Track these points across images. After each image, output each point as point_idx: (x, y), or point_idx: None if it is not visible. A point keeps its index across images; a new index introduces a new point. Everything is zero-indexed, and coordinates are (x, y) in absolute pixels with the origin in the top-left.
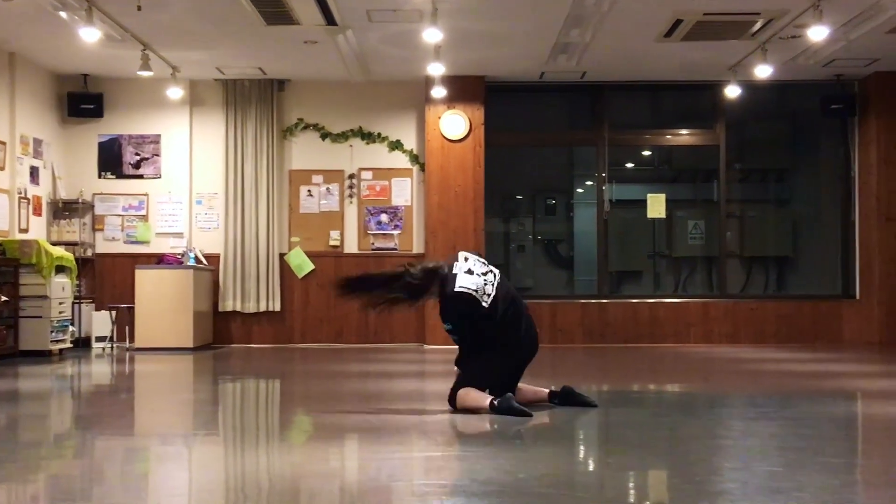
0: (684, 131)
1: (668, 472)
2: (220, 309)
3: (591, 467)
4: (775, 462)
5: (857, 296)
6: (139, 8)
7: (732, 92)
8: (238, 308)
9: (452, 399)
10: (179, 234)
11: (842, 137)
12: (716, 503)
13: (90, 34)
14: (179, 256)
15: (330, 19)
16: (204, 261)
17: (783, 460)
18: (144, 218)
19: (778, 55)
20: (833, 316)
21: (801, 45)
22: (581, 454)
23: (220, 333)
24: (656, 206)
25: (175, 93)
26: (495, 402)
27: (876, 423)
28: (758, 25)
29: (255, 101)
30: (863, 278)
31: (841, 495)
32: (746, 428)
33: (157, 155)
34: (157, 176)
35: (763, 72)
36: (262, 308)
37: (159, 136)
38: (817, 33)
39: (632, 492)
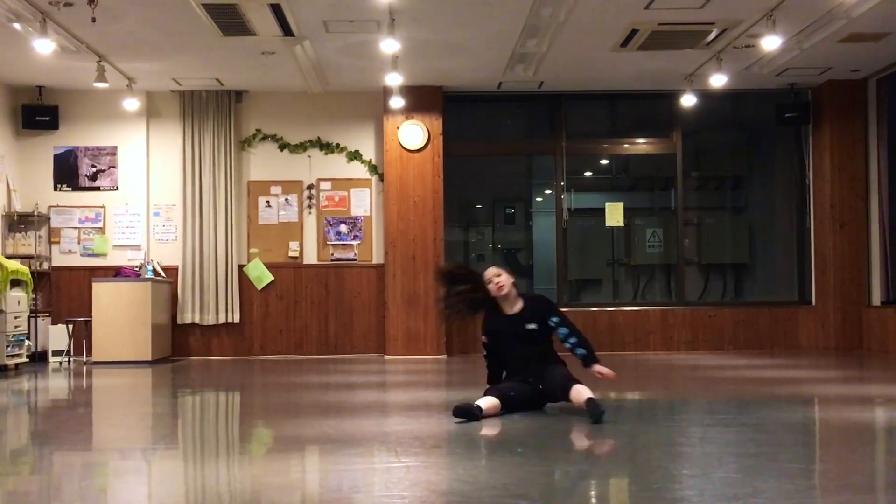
0: (641, 140)
1: (627, 480)
2: (179, 321)
3: (551, 476)
4: (732, 469)
5: (813, 302)
6: (93, 20)
7: (688, 101)
8: (197, 320)
9: (566, 392)
10: (137, 247)
11: (796, 145)
12: None
13: (44, 46)
14: (137, 269)
15: (287, 30)
16: (162, 273)
17: (740, 467)
18: (101, 230)
19: (733, 64)
20: (789, 322)
21: (756, 55)
22: (541, 463)
23: (179, 346)
24: (614, 214)
25: (131, 104)
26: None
27: (832, 429)
28: (712, 35)
29: (213, 112)
30: (818, 284)
31: (796, 501)
32: (704, 434)
33: (114, 167)
34: (114, 188)
35: (718, 81)
36: (222, 320)
37: (116, 147)
38: (771, 43)
39: (591, 500)
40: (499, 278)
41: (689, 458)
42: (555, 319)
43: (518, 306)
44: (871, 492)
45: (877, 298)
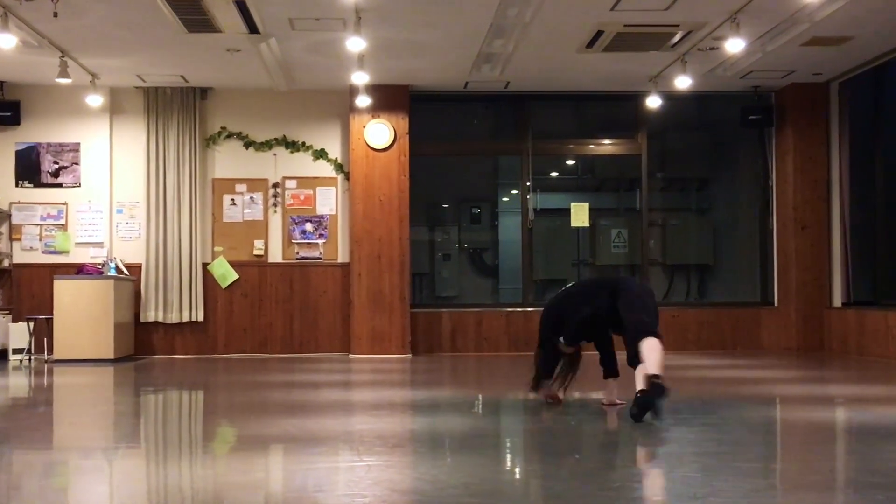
0: (607, 141)
1: (588, 479)
2: (142, 319)
3: (513, 475)
4: (693, 468)
5: (776, 303)
6: (55, 14)
7: (653, 102)
8: (160, 318)
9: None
10: (100, 244)
11: (760, 147)
12: None
13: (6, 40)
14: (100, 266)
15: (252, 27)
16: (125, 271)
17: (700, 466)
18: (63, 227)
19: (697, 66)
20: (752, 323)
21: (720, 57)
22: (504, 462)
23: (142, 344)
24: (580, 214)
25: (95, 100)
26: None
27: (792, 429)
28: (677, 37)
29: (178, 109)
30: (781, 286)
31: (754, 500)
32: (666, 434)
33: (77, 163)
34: (77, 185)
35: (683, 83)
36: (185, 318)
37: (79, 144)
38: (734, 45)
39: (552, 499)
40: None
41: (650, 457)
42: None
43: None
44: (829, 491)
45: (838, 300)
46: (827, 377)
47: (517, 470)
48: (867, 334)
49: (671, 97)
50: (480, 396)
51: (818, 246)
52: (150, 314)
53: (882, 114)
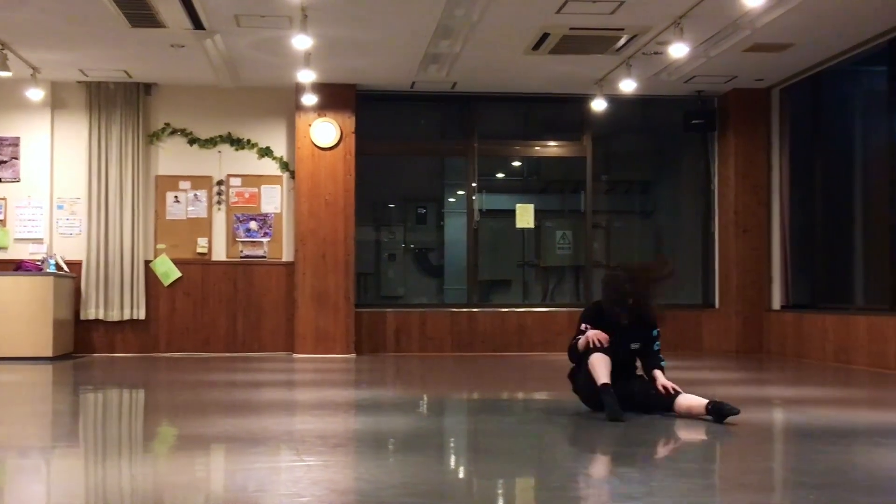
0: (552, 143)
1: (528, 480)
2: (82, 317)
3: (452, 476)
4: (633, 468)
5: (717, 305)
6: None
7: (599, 105)
8: (101, 316)
9: (669, 403)
10: (39, 240)
11: (702, 151)
12: None
13: None
14: (39, 263)
15: (197, 23)
16: (65, 267)
17: (640, 466)
18: (2, 223)
19: (642, 70)
20: (693, 325)
21: (664, 62)
22: (444, 462)
23: (82, 342)
24: (525, 216)
25: (35, 94)
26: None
27: (731, 430)
28: (622, 41)
29: (121, 104)
30: (721, 288)
31: (690, 499)
32: (607, 434)
33: (16, 158)
34: (16, 180)
35: (628, 86)
36: (126, 316)
37: (18, 138)
38: (678, 50)
39: (490, 500)
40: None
41: (589, 457)
42: (655, 332)
43: (625, 320)
44: (764, 490)
45: (777, 303)
46: (765, 379)
47: (457, 470)
48: (805, 337)
49: (616, 100)
50: (424, 396)
51: (758, 249)
52: (91, 312)
53: (820, 120)
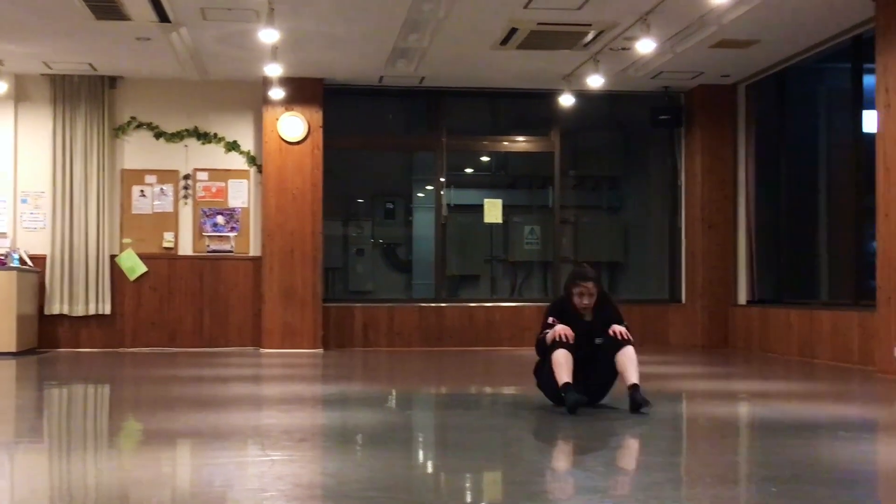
0: (521, 138)
1: (493, 474)
2: (47, 312)
3: (418, 470)
4: (598, 462)
5: (683, 300)
6: None
7: (566, 101)
8: (66, 311)
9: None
10: (3, 235)
11: (669, 147)
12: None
13: None
14: (2, 257)
15: (163, 16)
16: (29, 262)
17: (605, 460)
18: None
19: (609, 66)
20: (660, 319)
21: (631, 58)
22: (410, 457)
23: (46, 337)
24: (493, 211)
25: None
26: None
27: (696, 424)
28: (590, 37)
29: (86, 97)
30: (688, 283)
31: (653, 493)
32: (573, 429)
33: None
34: None
35: (595, 82)
36: (92, 311)
37: None
38: (645, 46)
39: (454, 494)
40: (589, 300)
41: (555, 451)
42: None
43: (588, 316)
44: (726, 483)
45: (742, 298)
46: (730, 373)
47: (423, 464)
48: (770, 331)
49: (584, 96)
50: (392, 391)
51: (724, 245)
52: (56, 307)
53: (786, 116)
